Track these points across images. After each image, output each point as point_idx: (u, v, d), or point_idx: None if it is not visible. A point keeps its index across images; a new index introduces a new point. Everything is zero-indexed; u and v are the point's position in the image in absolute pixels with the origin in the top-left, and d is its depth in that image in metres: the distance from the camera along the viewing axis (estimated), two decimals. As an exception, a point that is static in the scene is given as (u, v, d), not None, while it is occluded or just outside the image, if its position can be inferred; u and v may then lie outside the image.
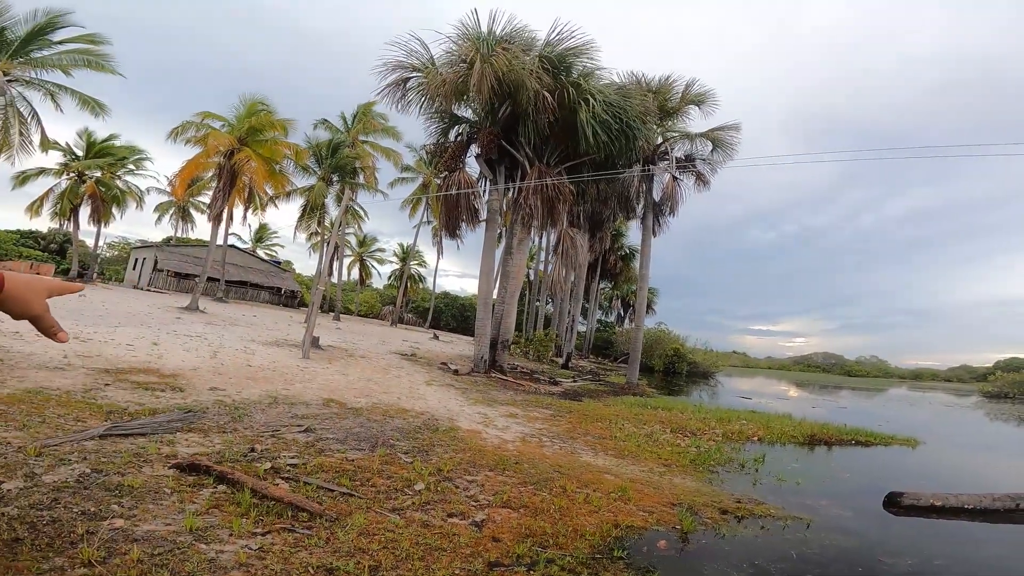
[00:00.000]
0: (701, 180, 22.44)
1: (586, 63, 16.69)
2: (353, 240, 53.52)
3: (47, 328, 0.99)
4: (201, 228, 52.97)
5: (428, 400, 10.53)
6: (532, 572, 3.49)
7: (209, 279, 31.23)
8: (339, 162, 30.54)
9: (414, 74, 17.02)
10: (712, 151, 21.76)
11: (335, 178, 31.09)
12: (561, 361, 27.02)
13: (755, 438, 10.58)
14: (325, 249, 28.16)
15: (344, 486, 4.65)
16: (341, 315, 38.09)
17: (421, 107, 17.95)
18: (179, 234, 51.53)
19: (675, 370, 36.86)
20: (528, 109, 16.12)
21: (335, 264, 40.64)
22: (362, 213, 40.29)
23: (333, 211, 32.57)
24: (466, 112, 19.02)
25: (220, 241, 30.86)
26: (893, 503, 6.38)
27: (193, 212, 50.55)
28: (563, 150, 17.52)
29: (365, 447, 6.18)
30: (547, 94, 15.57)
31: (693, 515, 5.29)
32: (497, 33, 16.06)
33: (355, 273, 57.16)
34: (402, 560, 3.37)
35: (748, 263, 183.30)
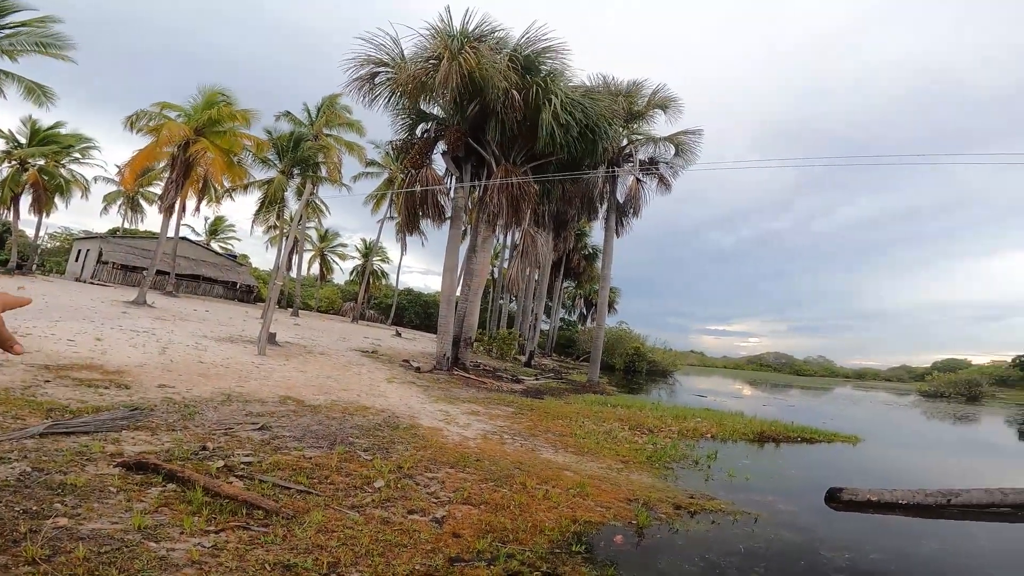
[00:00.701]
0: (664, 183, 22.98)
1: (555, 64, 16.84)
2: (314, 234, 52.29)
3: (4, 341, 0.96)
4: (152, 219, 50.58)
5: (389, 398, 10.42)
6: (492, 567, 3.53)
7: (158, 272, 29.96)
8: (302, 155, 29.78)
9: (383, 69, 16.78)
10: (675, 155, 22.31)
11: (296, 171, 30.30)
12: (524, 359, 27.17)
13: (709, 435, 10.93)
14: (284, 243, 27.45)
15: (301, 484, 4.56)
16: (300, 311, 37.15)
17: (389, 102, 17.72)
18: (128, 225, 49.22)
19: (635, 369, 37.58)
20: (496, 107, 16.13)
21: (294, 258, 39.60)
22: (324, 208, 39.43)
23: (293, 205, 31.77)
24: (434, 109, 18.88)
25: (171, 233, 29.66)
26: (834, 499, 6.68)
27: (143, 203, 48.37)
28: (529, 149, 17.61)
29: (323, 445, 6.08)
30: (515, 92, 15.63)
31: (648, 510, 5.43)
32: (469, 31, 16.01)
33: (315, 268, 55.87)
34: (362, 556, 3.35)
35: (708, 265, 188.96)
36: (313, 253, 54.19)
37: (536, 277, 33.27)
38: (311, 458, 5.42)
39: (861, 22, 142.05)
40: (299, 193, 29.37)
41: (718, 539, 4.94)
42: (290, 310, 35.52)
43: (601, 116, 16.93)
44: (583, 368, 29.43)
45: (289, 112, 33.29)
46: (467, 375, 16.46)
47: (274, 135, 30.55)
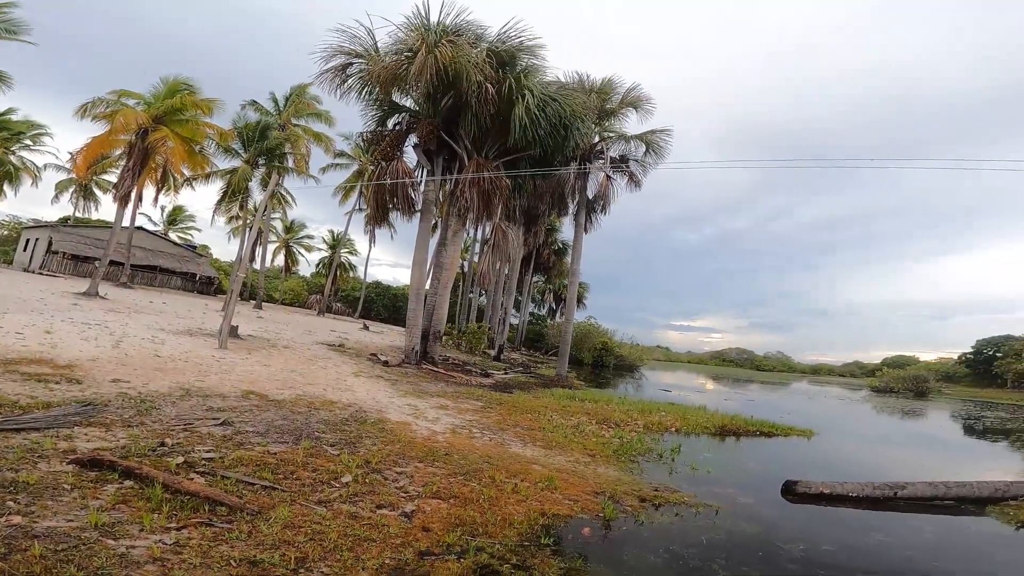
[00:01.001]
0: (633, 180, 23.29)
1: (531, 60, 16.83)
2: (279, 225, 51.01)
3: None
4: (106, 208, 48.17)
5: (356, 392, 10.29)
6: (463, 560, 3.55)
7: (112, 263, 28.68)
8: (268, 145, 28.94)
9: (356, 60, 16.46)
10: (645, 153, 22.63)
11: (262, 161, 29.44)
12: (493, 353, 27.18)
13: (673, 429, 11.19)
14: (247, 234, 26.66)
15: (266, 479, 4.48)
16: (264, 303, 36.23)
17: (361, 94, 17.41)
18: (80, 214, 46.98)
19: (603, 363, 38.03)
20: (471, 101, 16.02)
21: (258, 250, 38.54)
22: (289, 198, 38.51)
23: (258, 195, 30.86)
24: (407, 101, 18.63)
25: (127, 223, 28.46)
26: (789, 491, 6.93)
27: (97, 191, 46.24)
28: (502, 144, 17.57)
29: (288, 440, 5.97)
30: (490, 86, 15.56)
31: (615, 503, 5.54)
32: (447, 24, 15.85)
33: (280, 260, 54.53)
34: (330, 551, 3.32)
35: (674, 262, 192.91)
36: (278, 244, 52.87)
37: (506, 271, 33.27)
38: (276, 453, 5.32)
39: (829, 31, 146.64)
40: (264, 183, 28.53)
41: (681, 531, 5.08)
42: (253, 302, 34.58)
43: (574, 112, 17.03)
44: (552, 362, 29.66)
45: (255, 101, 32.33)
46: (436, 369, 16.38)
47: (240, 124, 29.59)
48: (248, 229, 30.58)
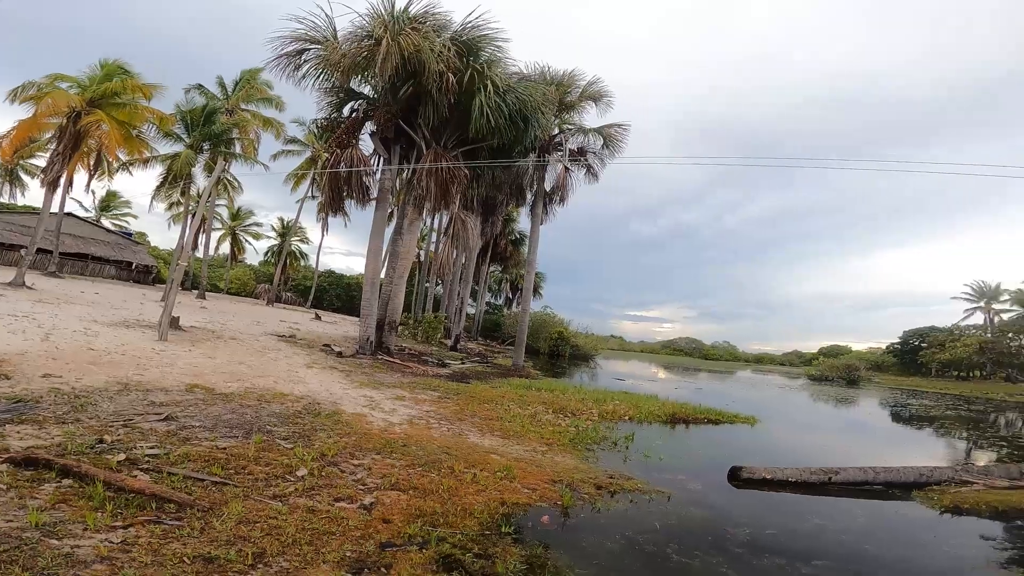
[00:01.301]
0: (591, 172, 23.64)
1: (494, 51, 16.66)
2: (225, 212, 48.83)
3: None
4: (34, 194, 44.77)
5: (309, 384, 10.03)
6: (424, 551, 3.54)
7: (40, 251, 26.77)
8: (214, 129, 27.55)
9: (313, 46, 15.87)
10: (603, 146, 22.95)
11: (207, 146, 28.02)
12: (450, 343, 27.04)
13: (626, 417, 11.50)
14: (189, 221, 25.38)
15: (216, 475, 4.33)
16: (207, 293, 34.64)
17: (317, 80, 16.82)
18: (6, 199, 43.55)
19: (559, 353, 38.46)
20: (431, 90, 15.73)
21: (201, 237, 36.82)
22: (236, 184, 36.86)
23: (202, 181, 29.39)
24: (364, 88, 18.11)
25: (55, 209, 26.61)
26: (735, 477, 7.25)
27: (24, 176, 42.96)
28: (461, 134, 17.38)
29: (238, 434, 5.78)
30: (452, 75, 15.34)
31: (572, 491, 5.66)
32: (411, 12, 15.49)
33: (226, 247, 52.26)
34: (289, 545, 3.25)
35: (630, 253, 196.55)
36: (224, 232, 50.66)
37: (463, 261, 33.10)
38: (225, 449, 5.14)
39: (785, 38, 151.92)
40: (209, 169, 27.17)
41: (636, 517, 5.25)
42: (195, 292, 33.04)
43: (535, 104, 17.03)
44: (508, 352, 29.79)
45: (201, 85, 30.71)
46: (391, 359, 16.16)
47: (183, 108, 28.07)
48: (191, 216, 29.15)
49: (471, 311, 43.70)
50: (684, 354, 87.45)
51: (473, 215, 24.79)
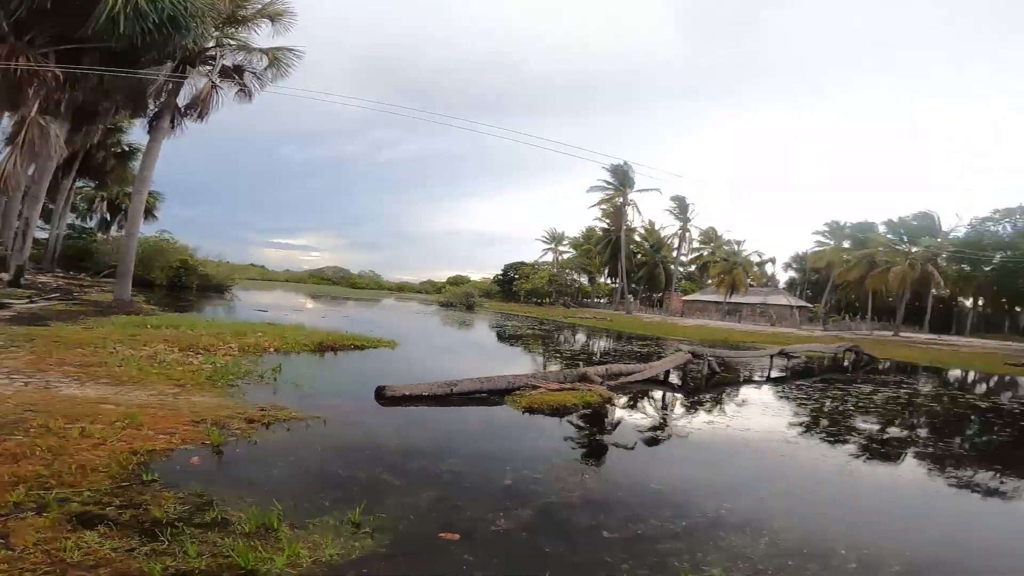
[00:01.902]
0: (245, 92, 20.37)
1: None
2: None
3: None
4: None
5: None
6: (47, 514, 2.84)
7: None
8: None
9: None
10: (267, 68, 20.01)
11: None
12: (8, 278, 19.57)
13: (271, 349, 10.94)
14: None
15: None
16: None
17: None
18: None
19: (183, 284, 32.66)
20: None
21: None
22: None
23: None
24: None
25: None
26: (380, 396, 7.90)
27: None
28: (63, 30, 12.35)
29: None
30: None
31: (221, 429, 5.22)
32: None
33: None
34: None
35: (280, 179, 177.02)
36: None
37: (31, 172, 23.95)
38: None
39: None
40: None
41: (297, 444, 5.26)
42: None
43: (197, 12, 13.51)
44: (107, 285, 23.65)
45: None
46: None
47: None
48: None
49: (43, 236, 32.57)
50: (332, 283, 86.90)
51: (58, 120, 18.02)
